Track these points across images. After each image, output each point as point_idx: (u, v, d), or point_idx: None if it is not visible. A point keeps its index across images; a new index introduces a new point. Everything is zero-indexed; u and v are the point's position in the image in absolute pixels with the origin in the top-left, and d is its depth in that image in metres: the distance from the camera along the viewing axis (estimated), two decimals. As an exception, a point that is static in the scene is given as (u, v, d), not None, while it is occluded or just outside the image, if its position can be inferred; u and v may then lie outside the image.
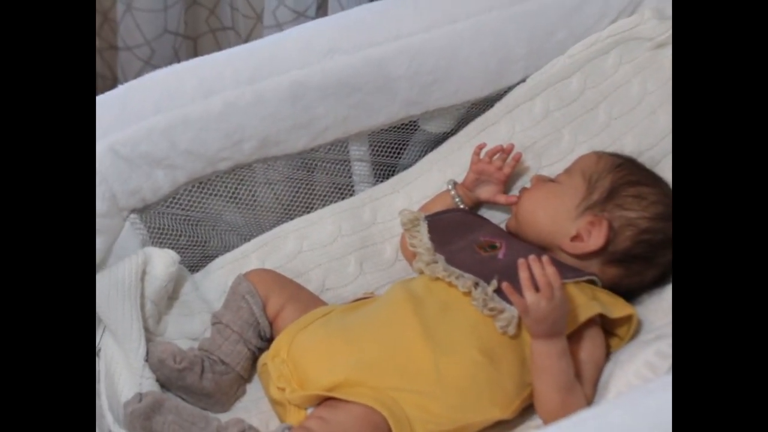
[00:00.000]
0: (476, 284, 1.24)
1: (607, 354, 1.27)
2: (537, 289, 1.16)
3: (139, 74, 2.05)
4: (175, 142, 1.32)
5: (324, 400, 1.21)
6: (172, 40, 2.05)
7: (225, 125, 1.33)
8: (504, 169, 1.40)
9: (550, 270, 1.17)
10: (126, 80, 2.07)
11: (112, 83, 2.23)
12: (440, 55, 1.41)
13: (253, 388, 1.33)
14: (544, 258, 1.18)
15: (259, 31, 1.97)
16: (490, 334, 1.22)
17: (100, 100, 1.30)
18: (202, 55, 2.11)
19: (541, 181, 1.38)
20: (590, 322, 1.24)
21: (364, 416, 1.17)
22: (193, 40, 2.15)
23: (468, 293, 1.24)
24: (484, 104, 1.49)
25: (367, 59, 1.38)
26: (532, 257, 1.18)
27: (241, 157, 1.37)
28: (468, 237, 1.33)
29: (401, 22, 1.39)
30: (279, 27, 1.86)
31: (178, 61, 2.04)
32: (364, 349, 1.22)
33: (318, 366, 1.22)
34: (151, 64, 2.05)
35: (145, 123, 1.30)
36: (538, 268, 1.17)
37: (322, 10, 1.88)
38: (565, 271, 1.26)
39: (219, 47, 2.14)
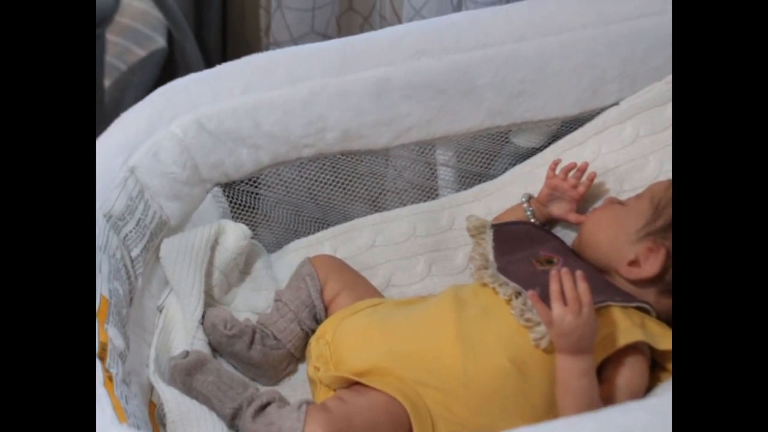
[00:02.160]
0: (518, 294, 1.23)
1: (652, 386, 1.23)
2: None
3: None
4: (259, 123, 1.38)
5: (352, 385, 1.24)
6: (318, 41, 2.13)
7: (308, 113, 1.39)
8: (579, 187, 1.38)
9: (582, 286, 1.15)
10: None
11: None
12: (528, 68, 1.41)
13: (304, 368, 1.37)
14: (578, 273, 1.16)
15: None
16: (524, 345, 1.21)
17: (194, 76, 1.39)
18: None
19: (611, 202, 1.35)
20: (634, 350, 1.21)
21: (385, 405, 1.19)
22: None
23: (509, 301, 1.23)
24: (576, 123, 1.47)
25: (453, 64, 1.40)
26: (564, 270, 1.16)
27: (324, 145, 1.42)
28: (529, 250, 1.33)
29: (490, 31, 1.41)
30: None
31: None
32: (397, 340, 1.24)
33: (353, 351, 1.25)
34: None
35: (233, 101, 1.37)
36: (569, 282, 1.15)
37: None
38: (614, 294, 1.23)
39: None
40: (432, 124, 1.43)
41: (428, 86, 1.40)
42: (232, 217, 1.46)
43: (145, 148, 1.34)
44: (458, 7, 1.87)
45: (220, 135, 1.38)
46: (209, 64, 2.43)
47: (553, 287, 1.15)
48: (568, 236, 1.41)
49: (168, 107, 1.37)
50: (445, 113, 1.42)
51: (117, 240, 1.27)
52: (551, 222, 1.43)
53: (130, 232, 1.30)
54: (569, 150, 1.46)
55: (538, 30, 1.41)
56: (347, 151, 1.44)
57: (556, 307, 1.14)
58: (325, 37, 2.15)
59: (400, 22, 2.00)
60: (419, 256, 1.45)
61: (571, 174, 1.39)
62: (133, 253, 1.30)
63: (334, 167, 1.46)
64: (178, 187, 1.37)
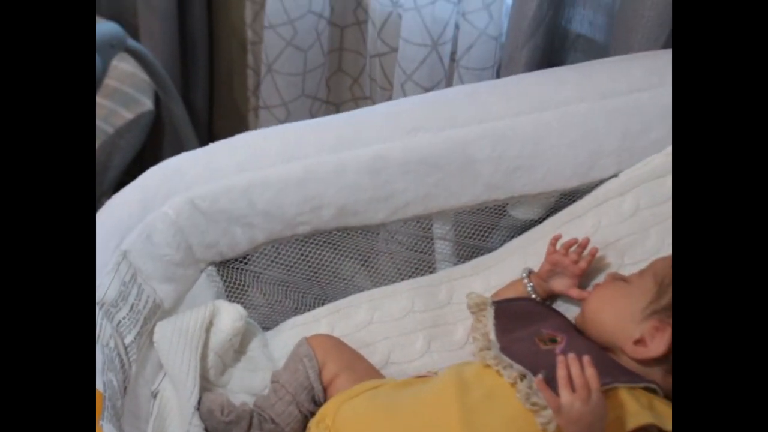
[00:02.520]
0: (523, 376, 1.20)
1: (661, 468, 1.21)
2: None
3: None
4: (254, 202, 1.36)
5: (355, 472, 1.21)
6: (309, 104, 2.13)
7: (303, 190, 1.37)
8: (580, 263, 1.37)
9: (590, 371, 1.13)
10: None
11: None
12: (526, 142, 1.39)
13: (303, 451, 1.34)
14: (585, 358, 1.14)
15: (392, 104, 2.01)
16: (529, 430, 1.18)
17: (187, 155, 1.37)
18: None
19: (613, 279, 1.33)
20: (642, 432, 1.18)
21: (389, 494, 1.16)
22: (336, 106, 2.22)
23: (514, 384, 1.21)
24: (574, 195, 1.45)
25: (449, 139, 1.38)
26: (571, 356, 1.14)
27: (320, 223, 1.40)
28: (532, 327, 1.30)
29: (487, 106, 1.39)
30: (407, 101, 1.89)
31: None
32: (401, 426, 1.21)
33: (355, 437, 1.22)
34: (288, 125, 2.13)
35: (227, 181, 1.35)
36: (576, 368, 1.13)
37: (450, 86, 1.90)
38: (620, 374, 1.21)
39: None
40: (429, 199, 1.41)
41: (425, 162, 1.38)
42: (227, 295, 1.43)
43: (137, 231, 1.31)
44: (450, 73, 1.86)
45: (214, 215, 1.36)
46: (197, 125, 2.43)
47: (561, 373, 1.13)
48: (570, 311, 1.39)
49: (161, 188, 1.35)
50: (442, 188, 1.40)
51: (110, 328, 1.24)
52: (552, 297, 1.41)
53: (124, 318, 1.27)
54: (568, 223, 1.44)
55: (535, 105, 1.40)
56: (343, 227, 1.42)
57: (565, 394, 1.12)
58: (316, 99, 2.14)
59: (390, 84, 1.99)
60: (418, 332, 1.43)
61: (572, 249, 1.37)
62: (127, 340, 1.27)
63: (330, 243, 1.44)
64: (171, 269, 1.34)
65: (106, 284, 1.25)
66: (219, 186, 1.35)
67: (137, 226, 1.32)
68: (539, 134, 1.40)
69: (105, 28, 1.96)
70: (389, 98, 2.03)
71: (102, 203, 2.14)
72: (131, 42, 2.04)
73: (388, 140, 1.38)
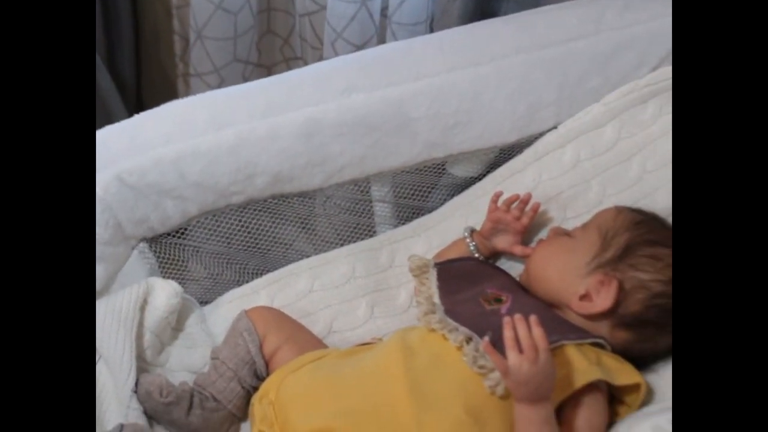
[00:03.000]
0: (469, 339, 1.18)
1: (612, 422, 1.19)
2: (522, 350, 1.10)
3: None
4: (185, 174, 1.31)
5: (302, 448, 1.17)
6: (241, 69, 2.06)
7: (236, 159, 1.32)
8: (522, 219, 1.34)
9: (537, 331, 1.10)
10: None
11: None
12: (463, 98, 1.36)
13: (247, 428, 1.30)
14: (532, 318, 1.11)
15: (324, 63, 1.96)
16: (478, 393, 1.15)
17: (111, 129, 1.31)
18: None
19: (557, 234, 1.30)
20: (591, 388, 1.16)
21: (337, 468, 1.13)
22: (267, 69, 2.16)
23: (460, 348, 1.18)
24: (514, 150, 1.42)
25: (385, 99, 1.34)
26: (517, 317, 1.11)
27: (254, 191, 1.35)
28: (476, 288, 1.28)
29: (422, 63, 1.35)
30: (338, 60, 1.84)
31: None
32: (347, 398, 1.18)
33: (300, 412, 1.19)
34: (220, 91, 2.07)
35: (154, 153, 1.30)
36: (523, 329, 1.10)
37: (382, 44, 1.85)
38: (568, 331, 1.19)
39: (292, 77, 2.14)
40: (366, 161, 1.37)
41: (360, 123, 1.34)
42: (161, 271, 1.38)
43: (62, 210, 1.25)
44: (381, 30, 1.82)
45: (142, 189, 1.30)
46: (124, 95, 2.35)
47: (507, 334, 1.10)
48: (514, 268, 1.36)
49: (84, 163, 1.28)
50: (379, 149, 1.36)
51: (38, 313, 1.18)
52: (496, 255, 1.38)
53: (53, 302, 1.21)
54: (509, 178, 1.41)
55: (471, 59, 1.36)
56: (279, 194, 1.37)
57: (512, 355, 1.09)
58: (248, 63, 2.07)
59: (321, 43, 1.94)
60: (360, 298, 1.39)
61: (513, 206, 1.34)
62: (58, 324, 1.21)
63: (266, 211, 1.40)
64: (100, 248, 1.29)
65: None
66: (146, 159, 1.30)
67: (62, 204, 1.25)
68: (476, 89, 1.36)
69: None
70: (320, 58, 1.97)
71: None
72: (49, 11, 1.95)
73: (321, 102, 1.33)
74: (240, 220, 1.39)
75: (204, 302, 1.41)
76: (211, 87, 2.08)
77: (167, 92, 2.39)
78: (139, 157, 1.30)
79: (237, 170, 1.33)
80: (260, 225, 1.40)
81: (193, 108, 1.33)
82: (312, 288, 1.40)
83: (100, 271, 1.29)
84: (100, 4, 2.30)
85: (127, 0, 2.34)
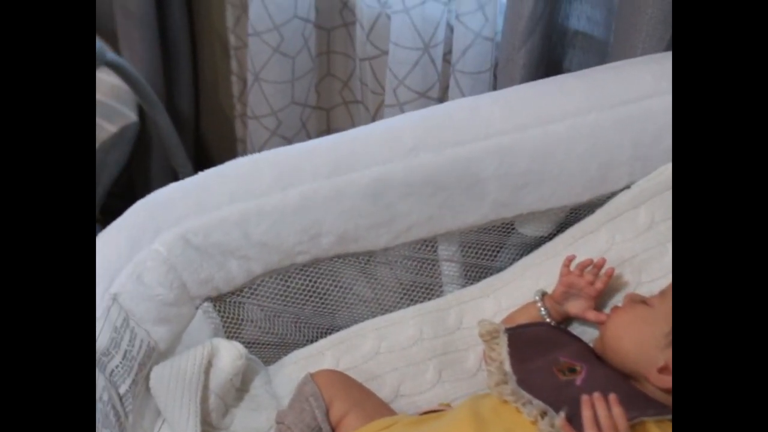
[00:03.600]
0: (544, 413, 1.13)
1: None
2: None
3: (265, 144, 2.07)
4: (249, 234, 1.29)
5: None
6: (299, 111, 2.05)
7: (301, 219, 1.29)
8: (596, 284, 1.30)
9: (617, 411, 1.06)
10: (254, 149, 2.10)
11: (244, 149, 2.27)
12: (533, 157, 1.32)
13: (313, 495, 1.27)
14: (611, 397, 1.07)
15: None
16: (553, 470, 1.11)
17: (176, 187, 1.30)
18: (334, 126, 2.14)
19: (633, 301, 1.26)
20: (672, 465, 1.12)
21: None
22: (326, 111, 2.15)
23: (534, 422, 1.14)
24: (585, 208, 1.38)
25: (453, 158, 1.31)
26: (596, 395, 1.07)
27: (319, 251, 1.33)
28: (549, 356, 1.23)
29: (491, 121, 1.32)
30: (400, 106, 1.82)
31: (306, 132, 2.07)
32: (417, 471, 1.14)
33: (369, 482, 1.16)
34: (277, 134, 2.06)
35: (219, 213, 1.28)
36: (602, 408, 1.06)
37: (445, 91, 1.82)
38: (646, 406, 1.14)
39: (351, 119, 2.12)
40: (433, 221, 1.34)
41: (428, 183, 1.31)
42: (225, 330, 1.36)
43: (127, 272, 1.24)
44: (444, 77, 1.79)
45: (207, 249, 1.28)
46: (183, 133, 2.35)
47: (586, 414, 1.06)
48: (586, 333, 1.32)
49: (150, 223, 1.27)
50: (447, 209, 1.33)
51: (103, 379, 1.16)
52: (568, 320, 1.34)
53: (117, 367, 1.20)
54: (581, 239, 1.37)
55: (541, 117, 1.32)
56: (344, 254, 1.34)
57: (591, 436, 1.05)
58: (306, 106, 2.06)
59: (382, 88, 1.92)
60: (428, 361, 1.36)
61: (587, 270, 1.30)
62: (122, 390, 1.20)
63: (331, 271, 1.37)
64: (165, 309, 1.27)
65: (96, 332, 1.18)
66: (211, 218, 1.28)
67: (126, 266, 1.24)
68: (547, 148, 1.32)
69: (82, 43, 1.87)
70: (381, 103, 1.95)
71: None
72: (111, 55, 1.95)
73: (388, 162, 1.30)
74: (304, 279, 1.36)
75: (268, 362, 1.38)
76: (268, 130, 2.07)
77: (225, 132, 2.39)
78: (203, 217, 1.28)
79: (302, 230, 1.30)
80: (325, 284, 1.38)
81: (257, 167, 1.31)
82: (378, 350, 1.37)
83: (165, 332, 1.27)
84: (159, 44, 2.31)
85: (185, 40, 2.34)
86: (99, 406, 1.13)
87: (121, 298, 1.22)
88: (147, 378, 1.25)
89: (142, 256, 1.25)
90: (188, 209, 1.28)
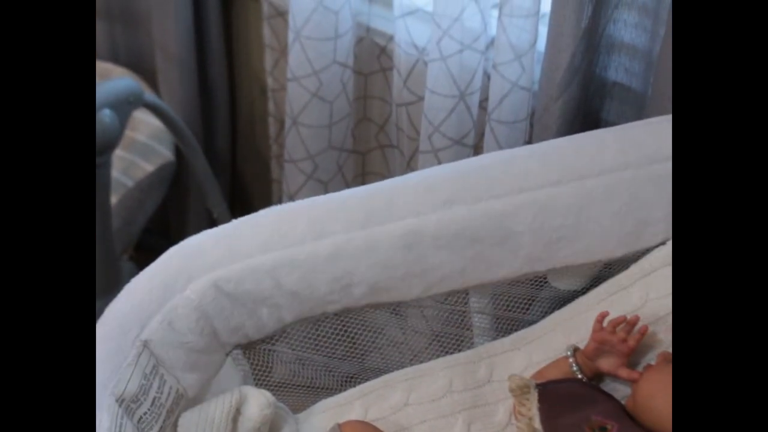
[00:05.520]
0: (574, 474, 1.12)
1: None
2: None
3: (301, 187, 2.08)
4: (281, 282, 1.29)
5: None
6: (336, 156, 2.05)
7: (333, 269, 1.30)
8: (629, 341, 1.28)
9: (648, 473, 1.05)
10: (290, 192, 2.11)
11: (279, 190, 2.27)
12: (568, 212, 1.32)
13: None
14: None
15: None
16: None
17: (209, 234, 1.30)
18: (369, 169, 2.14)
19: (666, 360, 1.24)
20: None
21: None
22: (362, 155, 2.15)
23: (564, 483, 1.12)
24: (619, 264, 1.37)
25: (487, 212, 1.31)
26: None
27: (350, 301, 1.33)
28: (580, 413, 1.22)
29: (526, 175, 1.31)
30: (435, 153, 1.82)
31: (343, 176, 2.07)
32: None
33: None
34: (313, 178, 2.06)
35: (251, 261, 1.28)
36: (633, 471, 1.05)
37: (480, 139, 1.82)
38: (679, 469, 1.12)
39: (386, 163, 2.13)
40: (466, 273, 1.33)
41: (461, 235, 1.31)
42: (254, 377, 1.36)
43: (158, 319, 1.24)
44: (479, 125, 1.79)
45: (239, 297, 1.28)
46: (219, 172, 2.36)
47: (617, 476, 1.05)
48: (617, 390, 1.31)
49: (182, 270, 1.28)
50: (480, 262, 1.33)
51: (131, 426, 1.16)
52: (599, 376, 1.33)
53: (145, 413, 1.20)
54: (614, 295, 1.35)
55: (577, 172, 1.32)
56: (375, 304, 1.34)
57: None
58: (342, 150, 2.06)
59: (417, 134, 1.92)
60: (457, 414, 1.35)
61: (619, 327, 1.29)
62: (149, 437, 1.20)
63: (360, 320, 1.36)
64: (195, 356, 1.27)
65: (126, 379, 1.18)
66: (244, 267, 1.28)
67: (158, 312, 1.24)
68: (582, 203, 1.31)
69: (122, 84, 1.89)
70: (416, 148, 1.95)
71: (123, 261, 2.10)
72: (149, 97, 1.97)
73: (421, 214, 1.30)
74: (334, 328, 1.36)
75: (296, 410, 1.38)
76: (305, 174, 2.08)
77: (261, 173, 2.40)
78: (236, 265, 1.28)
79: (334, 280, 1.30)
80: (355, 333, 1.38)
81: (291, 216, 1.31)
82: (407, 401, 1.36)
83: (194, 379, 1.28)
84: (198, 84, 2.32)
85: (223, 81, 2.36)
86: (126, 453, 1.13)
87: (151, 344, 1.23)
88: (175, 425, 1.25)
89: (174, 302, 1.26)
90: (221, 257, 1.28)
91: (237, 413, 1.28)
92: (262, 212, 1.32)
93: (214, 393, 1.31)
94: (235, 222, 1.32)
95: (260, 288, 1.29)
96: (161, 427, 1.21)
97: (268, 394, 1.29)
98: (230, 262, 1.28)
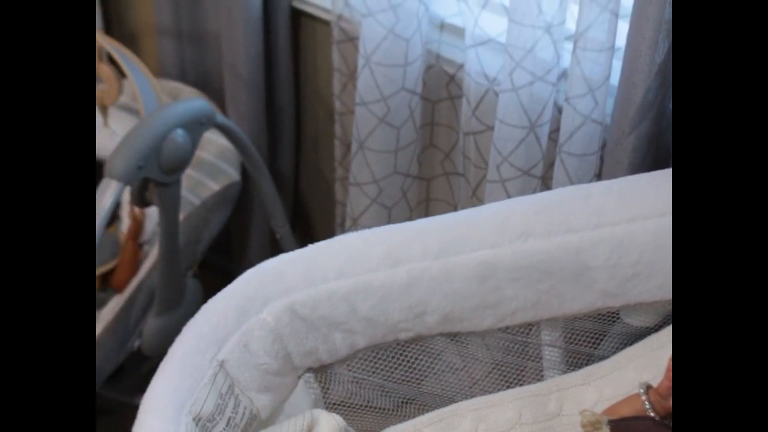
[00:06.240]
0: None
1: None
2: None
3: (365, 211, 2.09)
4: (356, 308, 1.30)
5: None
6: (401, 181, 2.07)
7: (408, 297, 1.31)
8: (703, 380, 1.27)
9: None
10: (353, 215, 2.13)
11: (342, 212, 2.29)
12: (644, 249, 1.31)
13: None
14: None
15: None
16: None
17: (285, 258, 1.32)
18: (433, 195, 2.15)
19: (741, 402, 1.24)
20: None
21: None
22: (427, 181, 2.16)
23: None
24: (693, 302, 1.37)
25: (562, 246, 1.31)
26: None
27: (423, 329, 1.34)
28: (651, 451, 1.22)
29: (602, 211, 1.32)
30: (502, 183, 1.83)
31: (407, 201, 2.08)
32: None
33: None
34: (377, 202, 2.08)
35: (327, 286, 1.29)
36: None
37: (549, 170, 1.82)
38: None
39: (451, 190, 2.14)
40: (539, 306, 1.34)
41: (536, 268, 1.31)
42: (324, 401, 1.37)
43: (235, 340, 1.26)
44: (549, 156, 1.79)
45: (314, 321, 1.30)
46: (283, 193, 2.39)
47: None
48: None
49: (259, 293, 1.29)
50: (554, 296, 1.33)
51: (207, 446, 1.18)
52: (671, 416, 1.32)
53: (221, 433, 1.21)
54: (687, 333, 1.35)
55: (655, 209, 1.32)
56: (447, 333, 1.35)
57: None
58: (407, 176, 2.08)
59: (485, 163, 1.93)
60: (525, 446, 1.35)
61: (694, 366, 1.28)
62: (224, 457, 1.21)
63: (432, 349, 1.37)
64: (269, 378, 1.28)
65: (203, 398, 1.20)
66: (320, 291, 1.29)
67: (235, 333, 1.26)
68: (658, 241, 1.31)
69: (195, 105, 1.92)
70: (483, 177, 1.96)
71: (188, 278, 2.12)
72: (220, 118, 2.00)
73: (497, 246, 1.31)
74: (405, 355, 1.37)
75: (364, 434, 1.39)
76: (369, 197, 2.09)
77: (325, 195, 2.42)
78: (312, 290, 1.30)
79: (408, 308, 1.31)
80: (425, 361, 1.38)
81: (367, 243, 1.32)
82: (476, 431, 1.36)
83: (268, 400, 1.29)
84: (265, 106, 2.36)
85: (291, 103, 2.39)
86: (202, 472, 1.15)
87: (227, 365, 1.24)
88: (247, 446, 1.27)
89: (251, 324, 1.27)
90: (297, 281, 1.30)
91: (308, 436, 1.29)
92: (338, 238, 1.34)
93: (286, 416, 1.32)
94: (311, 247, 1.33)
95: (335, 313, 1.30)
96: (235, 448, 1.23)
97: (338, 417, 1.30)
98: (306, 286, 1.29)
